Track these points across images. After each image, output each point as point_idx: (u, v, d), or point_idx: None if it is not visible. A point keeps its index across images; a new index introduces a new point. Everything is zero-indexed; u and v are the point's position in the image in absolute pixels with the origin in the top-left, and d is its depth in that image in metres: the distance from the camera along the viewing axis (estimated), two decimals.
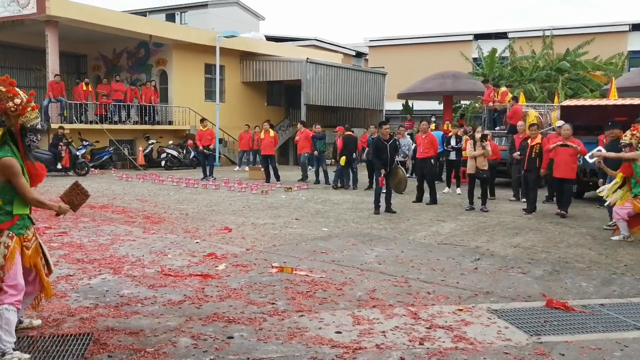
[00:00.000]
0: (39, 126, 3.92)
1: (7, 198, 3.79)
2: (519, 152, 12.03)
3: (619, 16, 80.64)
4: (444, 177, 15.82)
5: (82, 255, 6.76)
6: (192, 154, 21.26)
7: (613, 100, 15.10)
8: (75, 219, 9.26)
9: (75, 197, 4.23)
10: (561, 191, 10.85)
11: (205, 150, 16.98)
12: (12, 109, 3.74)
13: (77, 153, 17.22)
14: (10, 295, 3.75)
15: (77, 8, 18.98)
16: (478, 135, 11.13)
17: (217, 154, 17.54)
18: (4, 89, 3.74)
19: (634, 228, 8.22)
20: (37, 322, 4.37)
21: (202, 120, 17.70)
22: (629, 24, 32.90)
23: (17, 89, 3.80)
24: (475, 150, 11.02)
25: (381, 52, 38.07)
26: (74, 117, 19.46)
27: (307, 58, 24.32)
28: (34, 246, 4.00)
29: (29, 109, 3.82)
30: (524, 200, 11.94)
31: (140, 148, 20.73)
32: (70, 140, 17.36)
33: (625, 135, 8.23)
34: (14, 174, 3.72)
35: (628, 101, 14.03)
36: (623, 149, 8.26)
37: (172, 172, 18.70)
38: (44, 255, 4.16)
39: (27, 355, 3.82)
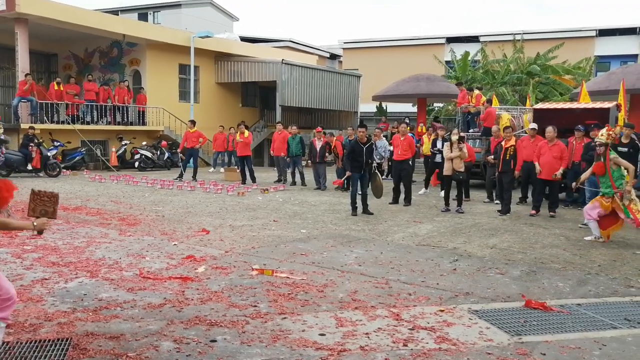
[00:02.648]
0: (2, 137, 3.54)
1: None
2: (493, 156, 12.24)
3: (586, 22, 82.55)
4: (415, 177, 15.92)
5: (57, 258, 6.62)
6: (166, 155, 21.05)
7: (583, 103, 15.45)
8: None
9: (44, 205, 3.70)
10: (542, 192, 11.06)
11: (181, 155, 16.93)
12: None
13: (48, 154, 16.86)
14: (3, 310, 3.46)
15: (48, 6, 18.61)
16: (455, 138, 11.25)
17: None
18: None
19: (606, 229, 8.42)
20: None
21: (191, 121, 17.55)
22: (596, 30, 33.71)
23: None
24: (452, 152, 11.14)
25: (355, 54, 38.19)
26: (45, 117, 19.06)
27: (283, 59, 24.29)
28: None
29: None
30: (497, 202, 12.13)
31: (113, 149, 20.41)
32: (41, 140, 16.99)
33: (602, 135, 8.38)
34: None
35: (598, 105, 14.38)
36: (597, 148, 8.43)
37: (146, 173, 18.46)
38: None
39: None
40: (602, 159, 8.30)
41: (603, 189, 8.36)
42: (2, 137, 15.54)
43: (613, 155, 8.27)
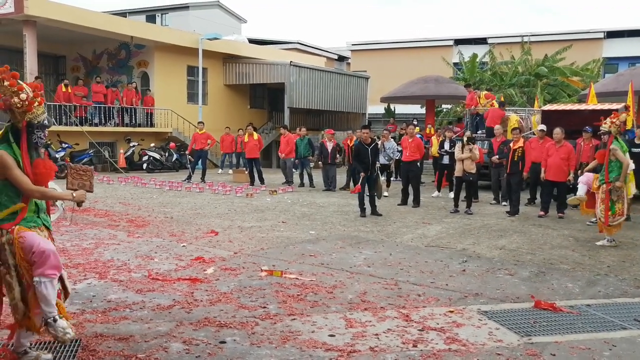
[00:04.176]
0: (46, 121, 3.59)
1: (10, 196, 3.49)
2: (497, 156, 12.19)
3: (594, 24, 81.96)
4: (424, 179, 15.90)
5: (65, 259, 6.62)
6: (175, 156, 21.11)
7: (591, 105, 15.37)
8: (57, 222, 9.09)
9: (81, 179, 3.86)
10: (550, 193, 11.02)
11: (190, 156, 17.03)
12: (18, 105, 3.42)
13: (56, 155, 16.95)
14: (41, 266, 3.43)
15: (56, 8, 18.69)
16: (465, 139, 11.23)
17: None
18: (7, 83, 3.43)
19: (590, 209, 8.50)
20: (46, 356, 3.81)
21: (200, 123, 17.62)
22: (604, 32, 33.58)
23: (21, 82, 3.48)
24: (462, 153, 11.10)
25: (363, 56, 38.22)
26: (52, 119, 19.12)
27: (291, 61, 24.29)
28: None
29: (35, 104, 3.49)
30: (505, 203, 12.09)
31: (121, 150, 20.50)
32: (49, 142, 17.06)
33: (605, 123, 8.28)
34: (6, 167, 3.41)
35: (606, 106, 14.30)
36: (602, 137, 8.40)
37: (154, 175, 18.52)
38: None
39: (49, 356, 3.77)
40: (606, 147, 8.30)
41: (599, 177, 8.39)
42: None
43: (614, 145, 8.12)
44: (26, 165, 3.51)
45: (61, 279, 3.75)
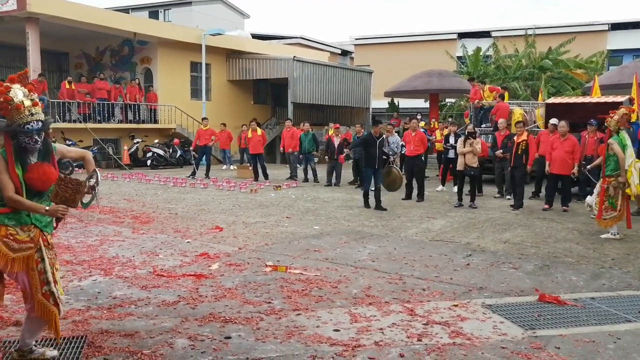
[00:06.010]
0: (28, 126, 3.38)
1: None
2: (501, 150, 12.16)
3: (598, 16, 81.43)
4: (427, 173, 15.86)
5: (70, 256, 6.67)
6: (179, 152, 21.14)
7: (596, 98, 15.30)
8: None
9: (65, 192, 3.57)
10: (554, 187, 10.99)
11: (194, 153, 17.09)
12: None
13: None
14: None
15: (59, 4, 18.69)
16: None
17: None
18: None
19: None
20: (52, 352, 3.80)
21: (204, 119, 17.66)
22: (608, 24, 33.38)
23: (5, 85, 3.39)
24: (464, 147, 11.08)
25: (367, 50, 38.13)
26: (57, 116, 19.17)
27: (294, 56, 24.24)
28: (26, 254, 3.49)
29: (9, 107, 3.36)
30: (509, 197, 12.06)
31: (125, 147, 20.54)
32: (53, 139, 17.06)
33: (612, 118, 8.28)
34: None
35: (610, 99, 14.22)
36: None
37: (158, 171, 18.55)
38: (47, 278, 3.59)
39: (54, 352, 3.77)
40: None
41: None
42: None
43: (612, 139, 8.10)
44: (11, 170, 3.44)
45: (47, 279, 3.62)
